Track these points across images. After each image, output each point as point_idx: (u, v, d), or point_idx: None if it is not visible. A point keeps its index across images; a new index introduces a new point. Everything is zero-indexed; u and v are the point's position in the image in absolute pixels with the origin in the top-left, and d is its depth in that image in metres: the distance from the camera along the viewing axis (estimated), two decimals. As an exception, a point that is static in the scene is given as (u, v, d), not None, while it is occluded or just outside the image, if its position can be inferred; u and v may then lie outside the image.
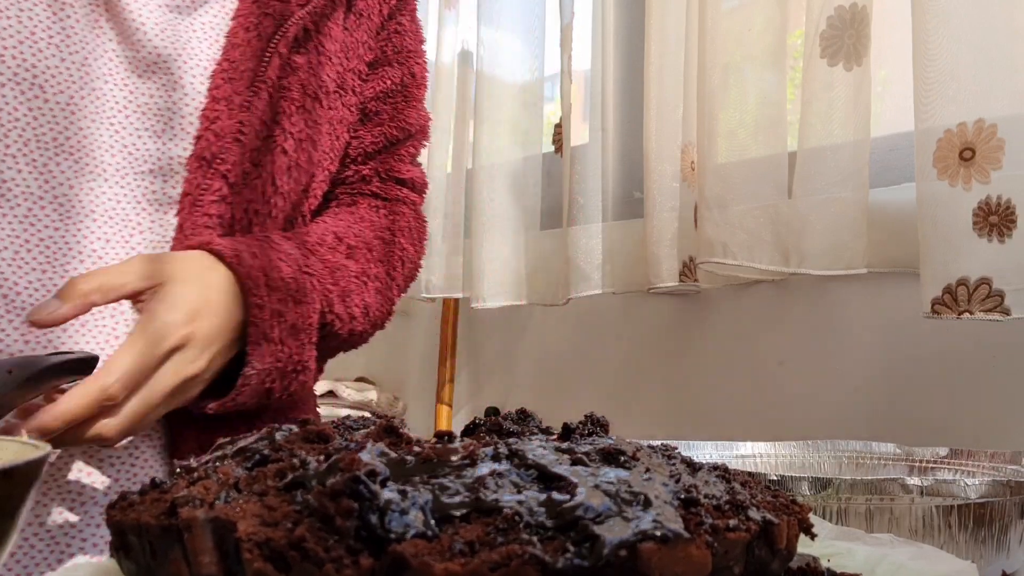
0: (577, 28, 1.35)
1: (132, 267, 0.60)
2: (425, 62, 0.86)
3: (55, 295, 0.57)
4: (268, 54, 0.70)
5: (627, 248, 1.28)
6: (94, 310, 0.61)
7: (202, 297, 0.61)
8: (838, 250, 1.01)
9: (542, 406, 1.62)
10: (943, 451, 0.71)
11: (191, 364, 0.60)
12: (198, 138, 0.68)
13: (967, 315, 0.87)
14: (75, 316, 0.57)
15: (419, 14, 0.86)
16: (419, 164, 0.89)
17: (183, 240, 0.67)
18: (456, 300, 1.56)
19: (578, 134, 1.35)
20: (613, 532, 0.24)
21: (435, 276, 1.49)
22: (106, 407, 0.56)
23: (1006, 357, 0.95)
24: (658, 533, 0.24)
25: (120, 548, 0.32)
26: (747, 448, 0.77)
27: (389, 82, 0.82)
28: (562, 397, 1.43)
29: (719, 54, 1.09)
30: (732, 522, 0.27)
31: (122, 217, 0.67)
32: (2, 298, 0.62)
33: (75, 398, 0.54)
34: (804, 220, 1.02)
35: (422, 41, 0.86)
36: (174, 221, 0.68)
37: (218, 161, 0.68)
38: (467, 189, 1.48)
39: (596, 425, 0.36)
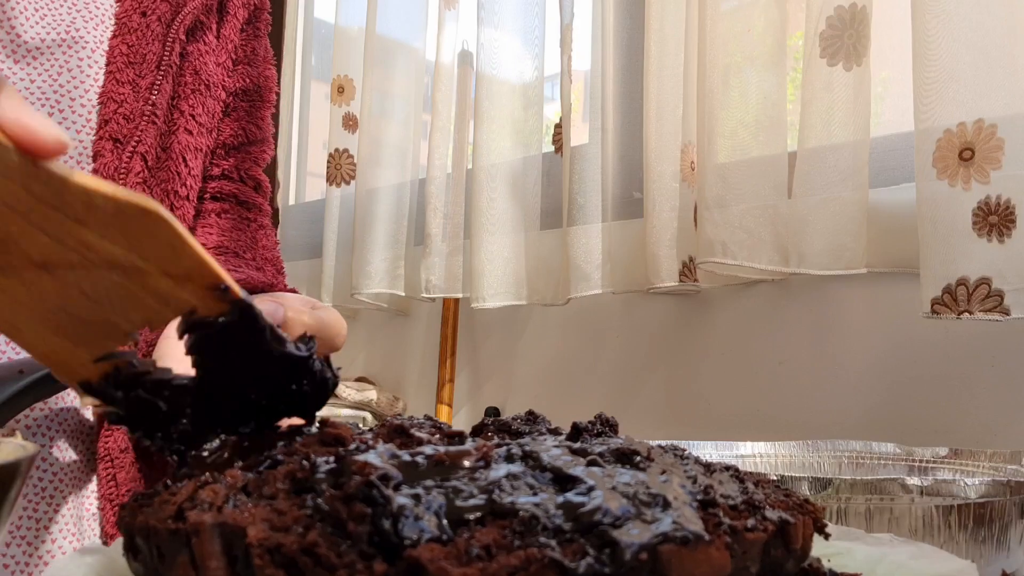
0: (577, 28, 1.35)
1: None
2: (275, 71, 0.88)
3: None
4: (171, 39, 0.72)
5: (627, 248, 1.29)
6: None
7: None
8: (838, 250, 1.01)
9: (542, 406, 1.62)
10: (943, 451, 0.71)
11: None
12: (106, 121, 0.68)
13: (967, 315, 0.87)
14: None
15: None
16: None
17: None
18: (456, 300, 1.56)
19: (578, 134, 1.35)
20: (632, 535, 0.24)
21: (435, 276, 1.49)
22: None
23: (1006, 357, 0.96)
24: (678, 535, 0.24)
25: (129, 549, 0.32)
26: (747, 448, 0.77)
27: (248, 80, 0.83)
28: (562, 397, 1.43)
29: (719, 54, 1.09)
30: (750, 522, 0.27)
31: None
32: None
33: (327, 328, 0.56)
34: (804, 220, 1.02)
35: (270, 52, 0.88)
36: None
37: (134, 142, 0.68)
38: (467, 189, 1.48)
39: (606, 425, 0.36)
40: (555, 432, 0.39)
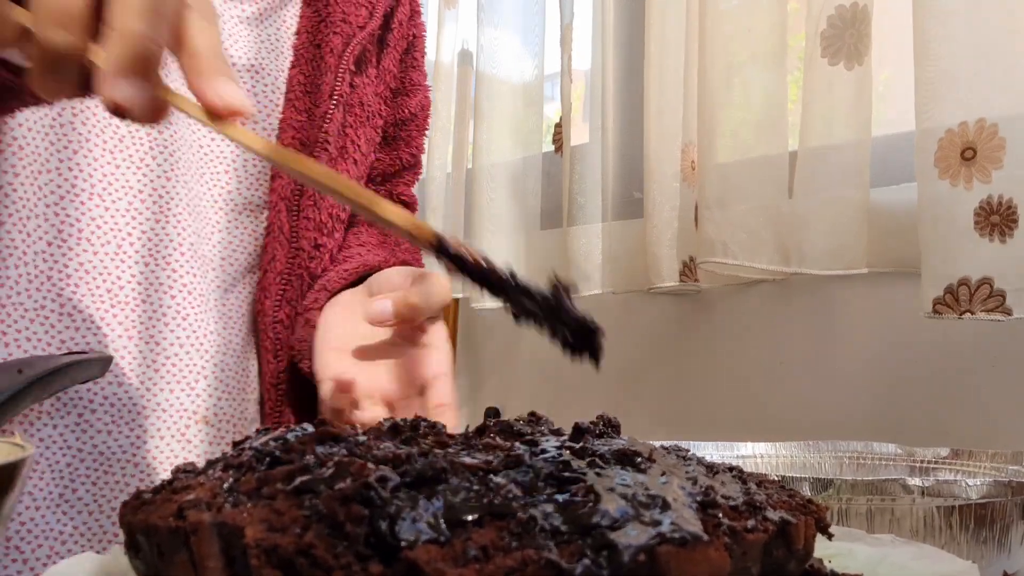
0: (577, 28, 1.35)
1: None
2: (429, 100, 0.91)
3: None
4: (342, 70, 0.75)
5: (627, 248, 1.28)
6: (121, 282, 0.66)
7: None
8: (839, 250, 1.01)
9: (542, 406, 1.62)
10: (944, 451, 0.71)
11: None
12: (285, 146, 0.70)
13: (968, 315, 0.87)
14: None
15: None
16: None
17: (275, 236, 0.72)
18: (456, 300, 1.56)
19: (578, 134, 1.35)
20: (630, 537, 0.24)
21: (435, 276, 1.49)
22: None
23: (1007, 357, 0.96)
24: (676, 536, 0.24)
25: (130, 547, 0.32)
26: (747, 448, 0.77)
27: (406, 111, 0.86)
28: (562, 397, 1.43)
29: (719, 54, 1.09)
30: (750, 523, 0.27)
31: (209, 215, 0.71)
32: (106, 292, 0.65)
33: (434, 297, 0.61)
34: (805, 220, 1.02)
35: (426, 76, 0.91)
36: (263, 219, 0.73)
37: None
38: (467, 189, 1.47)
39: (608, 425, 0.36)
40: (557, 433, 0.39)
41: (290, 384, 0.73)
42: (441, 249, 0.38)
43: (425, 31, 0.89)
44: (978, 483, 0.50)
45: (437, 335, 0.63)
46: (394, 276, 0.66)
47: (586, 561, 0.23)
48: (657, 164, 1.19)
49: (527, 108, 1.43)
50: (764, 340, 1.17)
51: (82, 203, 0.65)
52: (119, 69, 0.37)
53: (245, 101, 0.40)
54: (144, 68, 0.37)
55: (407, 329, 0.62)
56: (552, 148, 1.40)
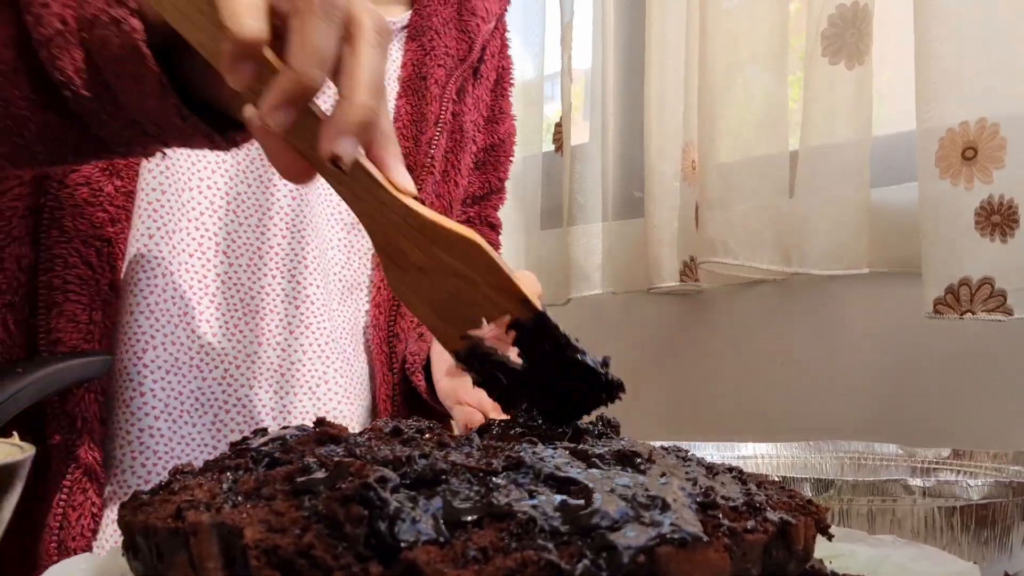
0: (577, 27, 1.34)
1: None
2: (514, 127, 0.97)
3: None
4: (446, 99, 0.81)
5: (627, 248, 1.28)
6: (264, 292, 0.72)
7: None
8: (840, 250, 1.01)
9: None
10: (945, 452, 0.71)
11: None
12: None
13: (969, 315, 0.86)
14: None
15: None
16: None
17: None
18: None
19: (578, 133, 1.35)
20: (630, 538, 0.23)
21: (435, 275, 1.49)
22: None
23: (1008, 357, 0.95)
24: (676, 537, 0.24)
25: (129, 548, 0.32)
26: (748, 449, 0.76)
27: (495, 137, 0.92)
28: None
29: (720, 53, 1.08)
30: (750, 524, 0.27)
31: (329, 232, 0.76)
32: (239, 301, 0.70)
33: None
34: (805, 220, 1.02)
35: (510, 106, 0.97)
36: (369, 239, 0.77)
37: (416, 189, 0.75)
38: (467, 188, 1.47)
39: (607, 426, 0.36)
40: (558, 434, 0.39)
41: (403, 395, 0.78)
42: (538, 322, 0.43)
43: (512, 63, 0.96)
44: (979, 484, 0.50)
45: None
46: None
47: (585, 562, 0.23)
48: (658, 164, 1.19)
49: (527, 107, 1.43)
50: (765, 340, 1.17)
51: (240, 224, 0.71)
52: (349, 129, 0.42)
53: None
54: (364, 132, 0.43)
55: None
56: (552, 147, 1.40)
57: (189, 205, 0.68)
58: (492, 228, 0.96)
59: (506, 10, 0.93)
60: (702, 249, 1.09)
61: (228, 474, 0.33)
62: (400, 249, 0.44)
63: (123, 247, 0.65)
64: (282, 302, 0.72)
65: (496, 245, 0.96)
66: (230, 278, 0.70)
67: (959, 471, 0.69)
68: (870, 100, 1.00)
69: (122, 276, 0.65)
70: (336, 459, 0.28)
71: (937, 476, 0.69)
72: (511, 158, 0.96)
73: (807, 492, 0.50)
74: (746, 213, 1.06)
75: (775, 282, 1.15)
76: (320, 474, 0.28)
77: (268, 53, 0.42)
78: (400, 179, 0.44)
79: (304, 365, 0.72)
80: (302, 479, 0.28)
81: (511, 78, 0.95)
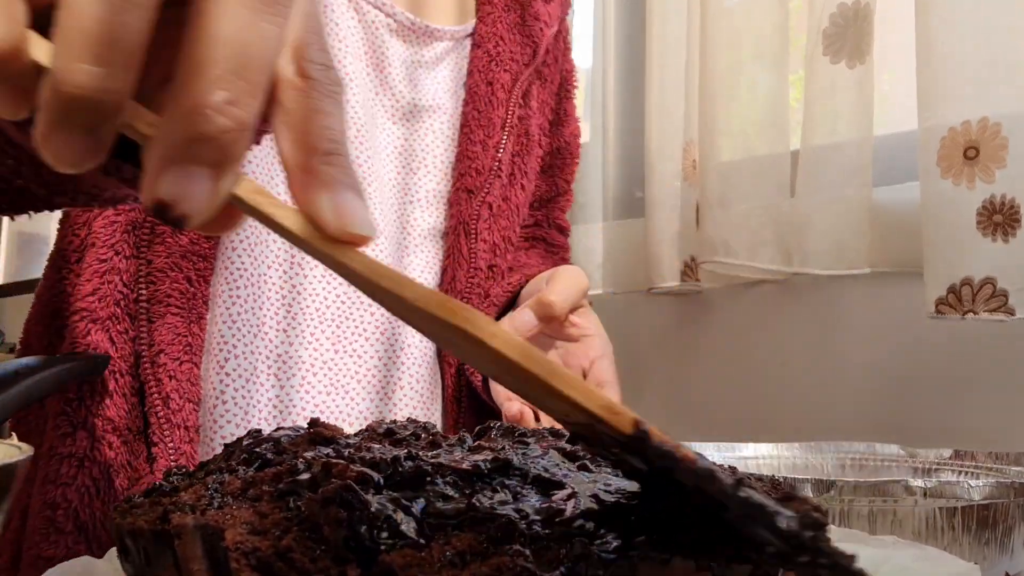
0: (577, 27, 1.34)
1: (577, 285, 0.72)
2: (579, 129, 0.97)
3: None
4: (512, 104, 0.83)
5: (628, 248, 1.28)
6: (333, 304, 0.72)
7: None
8: (841, 250, 1.01)
9: (544, 406, 1.61)
10: (947, 452, 0.70)
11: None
12: (462, 175, 0.80)
13: (971, 315, 0.86)
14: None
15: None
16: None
17: (455, 259, 0.79)
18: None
19: (579, 133, 1.34)
20: (610, 546, 0.23)
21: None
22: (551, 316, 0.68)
23: (1010, 358, 0.95)
24: (655, 547, 0.23)
25: (120, 551, 0.32)
26: (749, 449, 0.76)
27: (560, 140, 0.93)
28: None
29: (720, 52, 1.08)
30: None
31: (400, 241, 0.78)
32: (315, 311, 0.71)
33: (567, 289, 0.68)
34: (807, 219, 1.02)
35: (575, 109, 0.97)
36: (443, 244, 0.80)
37: (483, 193, 0.79)
38: (468, 189, 1.47)
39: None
40: (557, 434, 0.38)
41: (469, 398, 0.80)
42: (639, 440, 0.25)
43: (575, 66, 0.96)
44: (981, 484, 0.49)
45: (587, 322, 0.71)
46: (535, 282, 0.75)
47: (562, 570, 0.22)
48: (658, 163, 1.19)
49: (528, 108, 1.43)
50: (765, 340, 1.17)
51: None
52: (176, 155, 0.24)
53: (372, 226, 0.27)
54: (214, 160, 0.24)
55: (557, 326, 0.70)
56: (553, 148, 1.40)
57: None
58: (560, 231, 0.97)
59: (567, 14, 0.93)
60: (702, 249, 1.09)
61: (217, 476, 0.33)
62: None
63: (213, 261, 0.66)
64: (355, 309, 0.74)
65: (564, 248, 0.97)
66: (304, 288, 0.71)
67: (960, 472, 0.68)
68: (871, 99, 1.00)
69: (216, 288, 0.67)
70: (322, 460, 0.28)
71: (938, 477, 0.69)
72: (577, 160, 0.96)
73: (808, 493, 0.50)
74: (747, 213, 1.06)
75: (776, 282, 1.14)
76: (306, 475, 0.27)
77: (37, 51, 0.26)
78: (342, 224, 0.26)
79: (374, 372, 0.74)
80: (288, 480, 0.28)
81: (575, 81, 0.96)
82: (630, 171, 1.34)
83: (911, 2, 0.92)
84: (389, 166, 0.79)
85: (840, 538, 0.41)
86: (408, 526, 0.24)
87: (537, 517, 0.24)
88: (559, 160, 0.94)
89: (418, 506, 0.25)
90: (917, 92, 0.91)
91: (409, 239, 0.79)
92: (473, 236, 0.79)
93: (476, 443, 0.34)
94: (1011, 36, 0.86)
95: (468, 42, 0.85)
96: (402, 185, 0.79)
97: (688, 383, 1.26)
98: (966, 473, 0.67)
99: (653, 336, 1.31)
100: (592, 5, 1.34)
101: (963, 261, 0.86)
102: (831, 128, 1.01)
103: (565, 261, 0.96)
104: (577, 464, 0.29)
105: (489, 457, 0.29)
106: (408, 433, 0.37)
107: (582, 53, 1.35)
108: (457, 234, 0.79)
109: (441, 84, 0.82)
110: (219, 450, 0.65)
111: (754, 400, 1.17)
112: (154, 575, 0.30)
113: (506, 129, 0.82)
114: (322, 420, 0.62)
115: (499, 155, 0.81)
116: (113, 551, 0.35)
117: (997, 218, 0.86)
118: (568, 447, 0.33)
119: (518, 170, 0.84)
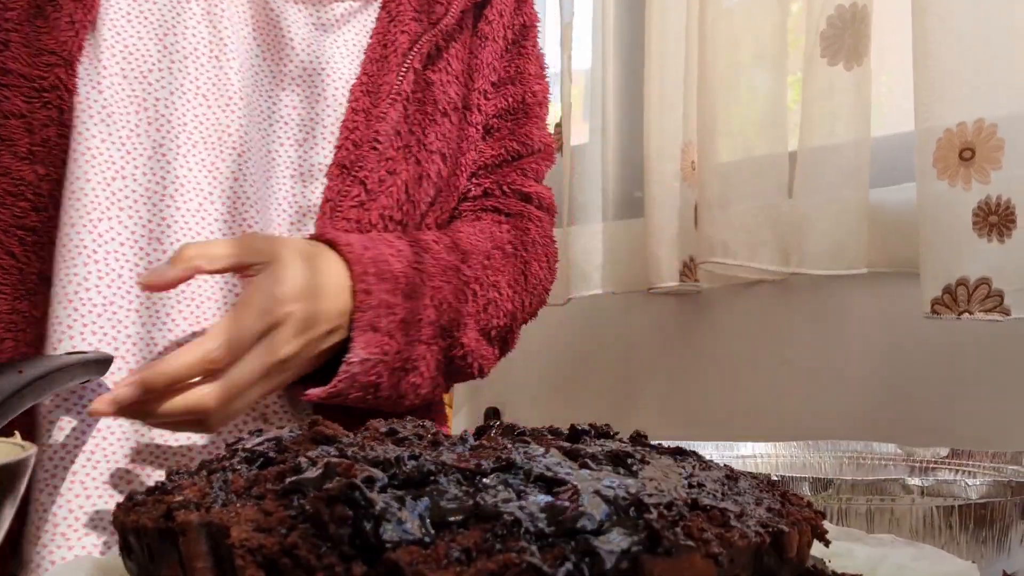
0: (577, 27, 1.34)
1: (244, 241, 0.61)
2: (547, 83, 0.88)
3: (167, 260, 0.59)
4: (404, 69, 0.74)
5: (627, 248, 1.28)
6: (199, 281, 0.64)
7: (311, 280, 0.62)
8: (839, 250, 1.01)
9: (542, 407, 1.62)
10: (944, 451, 0.71)
11: (284, 345, 0.60)
12: (338, 147, 0.71)
13: (967, 315, 0.86)
14: (182, 280, 0.59)
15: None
16: (545, 186, 0.89)
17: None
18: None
19: (578, 133, 1.35)
20: (613, 543, 0.23)
21: (435, 276, 1.49)
22: (209, 370, 0.56)
23: (1006, 357, 0.95)
24: (661, 543, 0.24)
25: (124, 548, 0.32)
26: (747, 448, 0.76)
27: (511, 100, 0.84)
28: (562, 397, 1.43)
29: (719, 53, 1.08)
30: (739, 530, 0.27)
31: (269, 219, 0.70)
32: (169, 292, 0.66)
33: (178, 357, 0.55)
34: (805, 220, 1.02)
35: (544, 65, 0.88)
36: (310, 225, 0.71)
37: (356, 168, 0.71)
38: (467, 189, 1.47)
39: (599, 435, 0.36)
40: (556, 433, 0.38)
41: None
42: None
43: (538, 20, 0.87)
44: (978, 483, 0.50)
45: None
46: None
47: (568, 566, 0.22)
48: (657, 164, 1.19)
49: (527, 108, 1.43)
50: (764, 340, 1.17)
51: (174, 200, 0.66)
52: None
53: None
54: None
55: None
56: (552, 148, 1.40)
57: (121, 194, 0.65)
58: (524, 199, 0.85)
59: None
60: (701, 249, 1.09)
61: (220, 474, 0.33)
62: None
63: (52, 236, 0.63)
64: (219, 290, 0.67)
65: (532, 219, 0.84)
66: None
67: (957, 470, 0.68)
68: (869, 101, 1.00)
69: (54, 266, 0.63)
70: (326, 459, 0.28)
71: (936, 475, 0.69)
72: (540, 120, 0.86)
73: (806, 491, 0.50)
74: (745, 213, 1.06)
75: (774, 282, 1.15)
76: (310, 474, 0.28)
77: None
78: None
79: None
80: (291, 479, 0.28)
81: (535, 37, 0.86)
82: (629, 171, 1.34)
83: (908, 4, 0.92)
84: (284, 135, 0.72)
85: (838, 536, 0.41)
86: (413, 524, 0.24)
87: (542, 514, 0.25)
88: (511, 121, 0.84)
89: (423, 504, 0.25)
90: (914, 94, 0.91)
91: (307, 216, 0.72)
92: (339, 217, 0.70)
93: (477, 442, 0.35)
94: (1007, 38, 0.87)
95: (377, 3, 0.78)
96: (300, 156, 0.72)
97: (687, 382, 1.26)
98: (963, 472, 0.68)
99: (652, 336, 1.31)
100: (592, 5, 1.34)
101: (959, 261, 0.87)
102: (829, 129, 1.01)
103: (542, 233, 0.86)
104: (578, 462, 0.29)
105: (492, 456, 0.29)
106: (409, 433, 0.37)
107: (581, 53, 1.35)
108: (323, 213, 0.70)
109: (342, 48, 0.75)
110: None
111: (752, 399, 1.17)
112: (158, 573, 0.30)
113: (391, 97, 0.73)
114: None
115: (377, 125, 0.72)
116: (116, 549, 0.35)
117: (992, 219, 0.86)
118: (568, 445, 0.33)
119: (415, 141, 0.74)
